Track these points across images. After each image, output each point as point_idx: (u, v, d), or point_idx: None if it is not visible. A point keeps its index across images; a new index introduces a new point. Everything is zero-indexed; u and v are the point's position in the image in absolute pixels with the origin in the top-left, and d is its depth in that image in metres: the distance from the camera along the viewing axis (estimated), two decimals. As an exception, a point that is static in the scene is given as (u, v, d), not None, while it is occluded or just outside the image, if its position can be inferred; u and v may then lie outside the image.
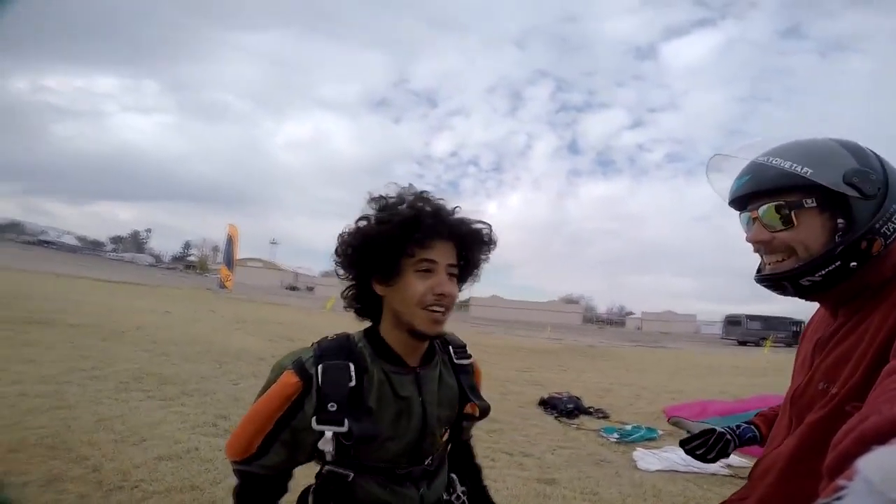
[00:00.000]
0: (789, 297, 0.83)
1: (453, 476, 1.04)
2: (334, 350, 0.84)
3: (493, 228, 0.94)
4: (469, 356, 1.01)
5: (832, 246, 0.74)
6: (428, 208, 0.85)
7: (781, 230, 0.78)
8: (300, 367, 0.81)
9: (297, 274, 75.88)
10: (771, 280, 0.82)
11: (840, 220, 0.74)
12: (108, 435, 2.92)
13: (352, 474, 0.83)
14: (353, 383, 0.81)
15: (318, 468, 0.87)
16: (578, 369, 9.98)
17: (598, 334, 32.72)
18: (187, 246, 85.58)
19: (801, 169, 0.73)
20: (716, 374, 11.20)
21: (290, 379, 0.81)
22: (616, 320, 74.20)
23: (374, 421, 0.82)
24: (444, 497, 0.98)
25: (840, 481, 0.25)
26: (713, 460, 1.06)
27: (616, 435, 4.46)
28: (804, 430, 0.77)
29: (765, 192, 0.79)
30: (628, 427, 4.72)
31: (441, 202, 0.89)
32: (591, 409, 5.53)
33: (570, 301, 76.29)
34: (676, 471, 3.37)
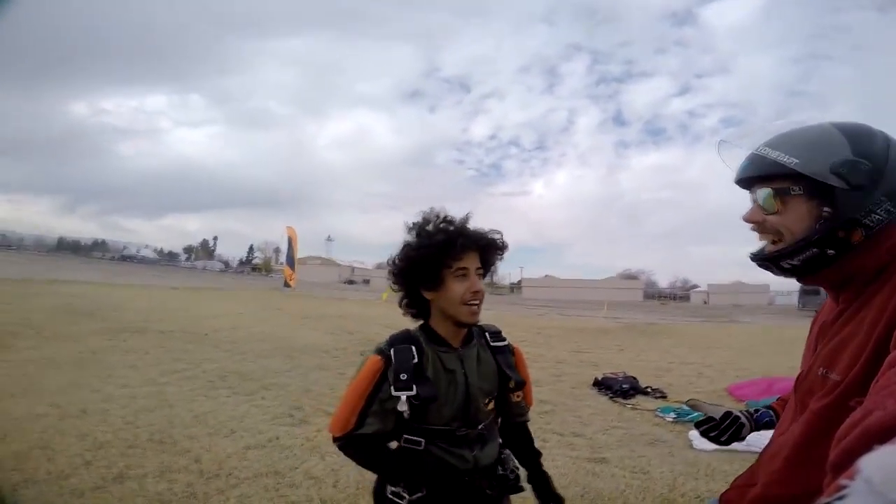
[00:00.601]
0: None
1: (508, 452, 1.26)
2: (400, 338, 1.13)
3: (503, 235, 1.23)
4: (504, 339, 1.27)
5: (811, 232, 0.78)
6: (455, 229, 1.14)
7: (772, 214, 0.83)
8: (380, 351, 1.11)
9: (353, 268, 78.67)
10: (757, 260, 0.88)
11: (826, 209, 0.77)
12: (204, 429, 3.36)
13: (423, 441, 1.11)
14: (415, 360, 1.09)
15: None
16: (637, 349, 9.77)
17: (660, 311, 31.46)
18: (251, 250, 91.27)
19: (788, 159, 0.77)
20: (789, 349, 10.53)
21: (374, 360, 1.10)
22: (680, 295, 70.54)
23: (432, 386, 1.09)
24: (500, 471, 1.20)
25: (842, 480, 0.25)
26: (726, 443, 1.11)
27: (673, 415, 4.44)
28: (809, 417, 0.79)
29: (760, 178, 0.84)
30: (686, 407, 4.66)
31: (463, 221, 1.17)
32: (649, 389, 5.48)
33: (628, 277, 73.60)
34: (736, 450, 3.34)
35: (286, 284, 23.43)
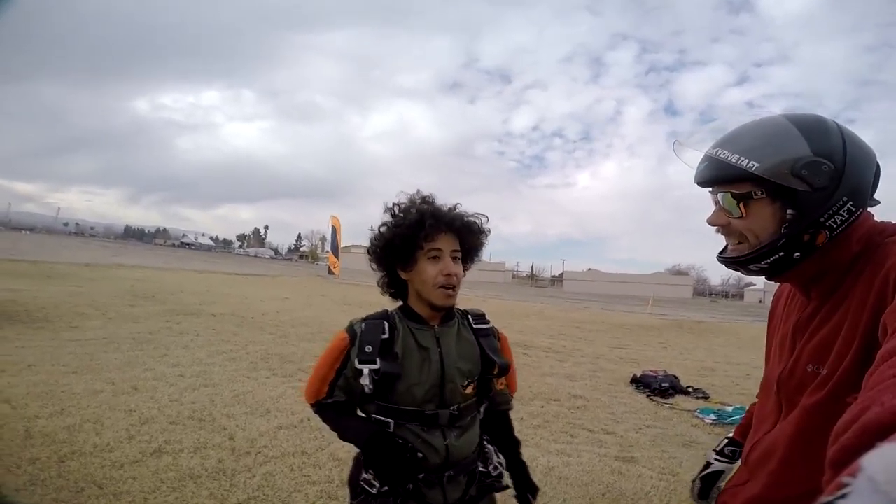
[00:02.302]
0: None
1: (491, 448, 1.19)
2: (375, 316, 1.12)
3: (487, 220, 1.20)
4: (487, 322, 1.22)
5: (776, 237, 0.77)
6: (430, 209, 1.11)
7: (736, 218, 0.81)
8: (349, 328, 1.11)
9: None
10: (726, 262, 0.87)
11: (790, 211, 0.76)
12: (242, 408, 3.54)
13: (392, 422, 1.06)
14: (385, 336, 1.08)
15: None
16: (681, 346, 9.36)
17: (710, 309, 29.92)
18: (299, 238, 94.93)
19: (748, 163, 0.75)
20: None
21: (341, 335, 1.10)
22: (733, 293, 66.69)
23: (398, 363, 1.07)
24: (481, 468, 1.14)
25: (843, 478, 0.25)
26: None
27: (713, 416, 4.22)
28: (801, 414, 0.78)
29: (720, 181, 0.81)
30: (729, 409, 4.42)
31: (441, 204, 1.14)
32: (690, 389, 5.24)
33: (678, 273, 70.42)
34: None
35: (330, 272, 24.21)
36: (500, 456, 1.20)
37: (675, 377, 5.47)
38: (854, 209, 0.74)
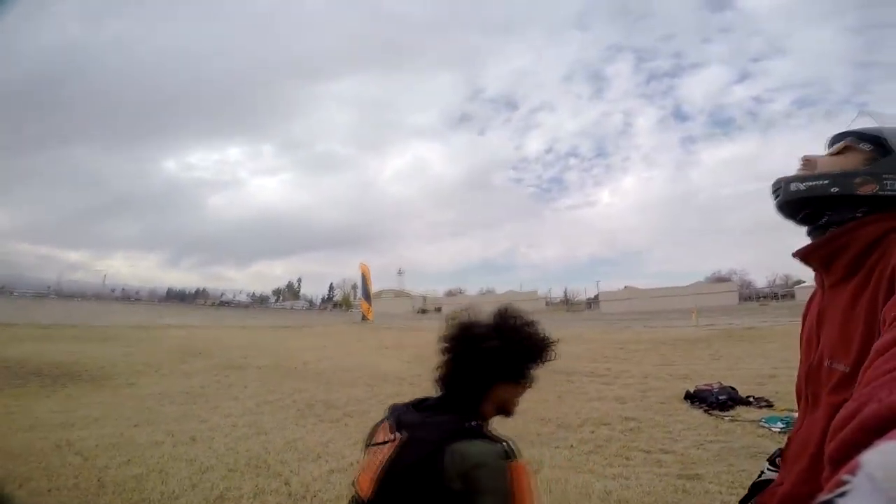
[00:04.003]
0: None
1: None
2: (490, 435, 0.95)
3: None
4: None
5: (836, 170, 0.81)
6: (549, 341, 1.09)
7: (830, 155, 0.86)
8: (516, 453, 0.91)
9: (425, 297, 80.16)
10: (777, 182, 0.89)
11: (867, 167, 0.80)
12: (294, 454, 3.60)
13: None
14: None
15: None
16: (735, 356, 8.89)
17: (760, 313, 28.33)
18: (331, 287, 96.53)
19: (880, 125, 0.82)
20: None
21: (522, 469, 0.89)
22: (782, 293, 63.05)
23: None
24: None
25: (843, 476, 0.25)
26: None
27: (781, 424, 3.97)
28: (829, 412, 0.77)
29: (850, 134, 0.86)
30: (796, 414, 4.14)
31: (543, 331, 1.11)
32: (751, 399, 4.97)
33: (719, 280, 67.40)
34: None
35: (364, 318, 24.56)
36: None
37: (733, 388, 5.21)
38: None
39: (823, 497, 0.25)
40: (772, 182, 0.93)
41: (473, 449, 0.89)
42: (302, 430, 4.34)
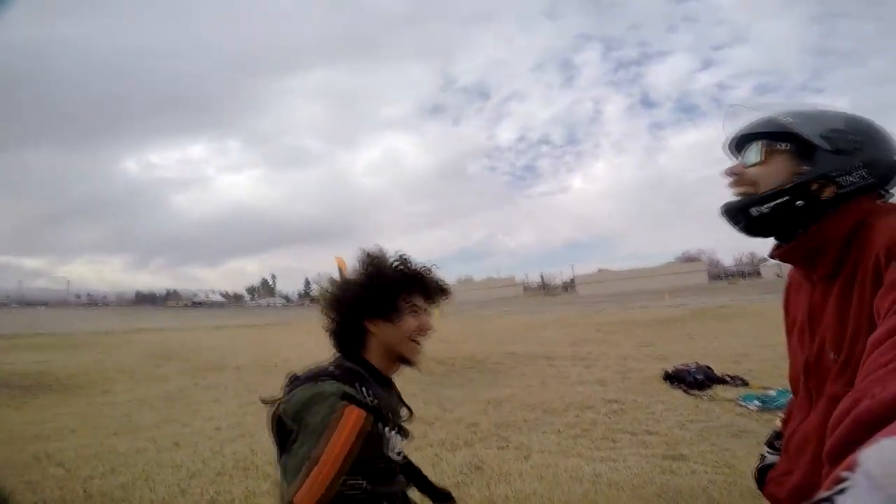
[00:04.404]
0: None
1: None
2: (352, 373, 0.99)
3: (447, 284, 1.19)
4: None
5: (785, 182, 0.82)
6: (423, 268, 1.12)
7: (753, 165, 0.86)
8: (353, 399, 0.91)
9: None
10: (728, 209, 0.89)
11: (806, 167, 0.81)
12: (282, 454, 3.55)
13: (365, 482, 0.92)
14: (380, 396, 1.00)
15: None
16: (709, 336, 9.21)
17: (730, 291, 29.48)
18: (307, 283, 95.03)
19: (788, 120, 0.83)
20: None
21: (355, 413, 0.88)
22: (749, 271, 65.66)
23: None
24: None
25: (841, 472, 0.25)
26: None
27: (757, 402, 4.14)
28: (827, 403, 0.80)
29: (754, 135, 0.88)
30: (772, 392, 4.31)
31: (424, 266, 1.14)
32: (727, 378, 5.14)
33: (689, 259, 69.64)
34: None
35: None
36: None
37: (709, 367, 5.39)
38: (867, 177, 0.78)
39: (822, 494, 0.25)
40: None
41: (310, 391, 0.91)
42: (289, 429, 4.28)
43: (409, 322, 1.06)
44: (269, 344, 12.22)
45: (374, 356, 1.06)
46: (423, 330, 1.08)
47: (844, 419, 0.36)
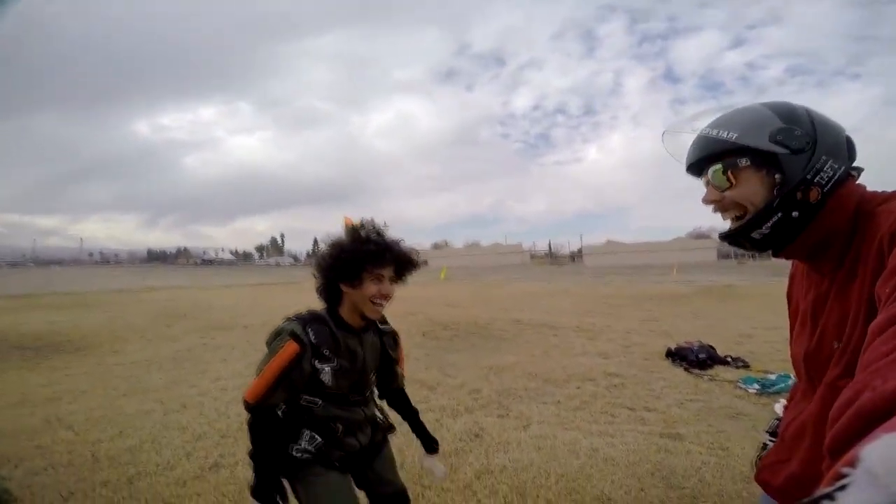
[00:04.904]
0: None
1: (381, 405, 1.60)
2: (312, 318, 1.34)
3: (419, 254, 1.48)
4: (388, 325, 1.55)
5: (771, 199, 0.82)
6: (384, 243, 1.36)
7: (727, 189, 0.86)
8: (297, 336, 1.28)
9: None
10: (729, 238, 0.90)
11: (777, 175, 0.81)
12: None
13: (320, 401, 1.35)
14: (332, 338, 1.33)
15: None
16: (714, 315, 9.18)
17: (739, 271, 29.23)
18: (316, 243, 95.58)
19: (728, 134, 0.83)
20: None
21: (292, 346, 1.27)
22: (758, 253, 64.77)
23: (346, 360, 1.35)
24: (379, 419, 1.56)
25: (841, 468, 0.25)
26: None
27: (756, 386, 4.14)
28: (824, 390, 0.81)
29: (708, 158, 0.87)
30: (772, 377, 4.31)
31: (392, 240, 1.39)
32: (728, 359, 5.15)
33: (699, 236, 68.79)
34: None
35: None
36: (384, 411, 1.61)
37: (712, 347, 5.38)
38: (836, 167, 0.79)
39: (823, 490, 0.24)
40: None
41: (278, 326, 1.33)
42: (293, 392, 4.37)
43: (370, 288, 1.33)
44: (277, 303, 12.39)
45: (345, 311, 1.38)
46: (382, 296, 1.35)
47: (845, 411, 0.36)
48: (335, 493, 1.37)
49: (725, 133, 0.83)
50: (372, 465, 1.50)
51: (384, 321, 1.53)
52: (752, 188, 0.83)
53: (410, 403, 1.64)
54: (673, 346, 5.56)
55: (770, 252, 0.91)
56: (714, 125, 0.86)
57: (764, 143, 0.80)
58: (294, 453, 1.33)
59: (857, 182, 0.82)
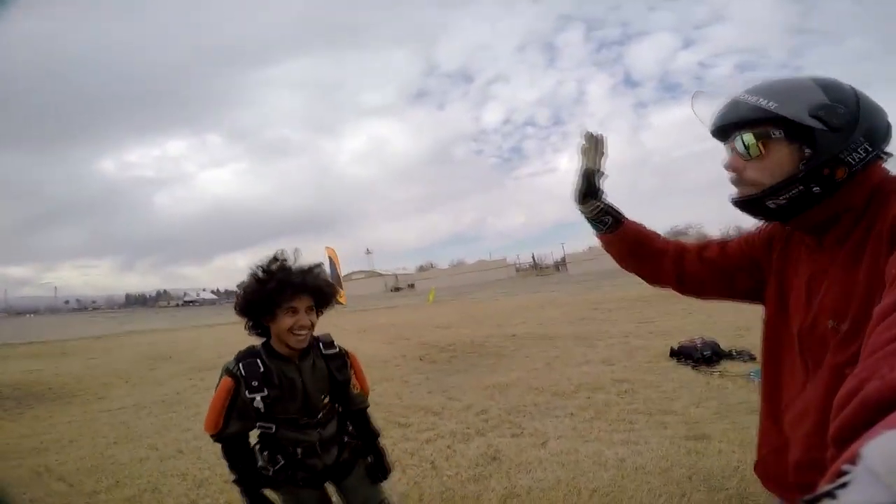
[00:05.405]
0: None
1: (344, 425, 1.65)
2: (246, 354, 1.45)
3: (329, 282, 1.58)
4: (335, 348, 1.61)
5: (795, 172, 0.80)
6: (286, 278, 1.42)
7: (752, 159, 0.84)
8: (229, 372, 1.42)
9: (397, 275, 79.81)
10: (741, 203, 0.88)
11: (807, 150, 0.79)
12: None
13: (273, 426, 1.46)
14: (262, 370, 1.42)
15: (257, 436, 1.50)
16: (707, 310, 9.17)
17: (720, 265, 29.73)
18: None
19: (768, 103, 0.80)
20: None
21: (227, 381, 1.41)
22: (737, 245, 66.48)
23: (278, 389, 1.43)
24: (346, 439, 1.61)
25: (843, 466, 0.24)
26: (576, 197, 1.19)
27: (766, 376, 4.11)
28: (830, 374, 0.77)
29: (738, 124, 0.85)
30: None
31: (300, 268, 1.47)
32: (734, 352, 5.13)
33: (678, 234, 70.26)
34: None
35: (337, 302, 24.11)
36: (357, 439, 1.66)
37: (715, 342, 5.37)
38: (870, 149, 0.77)
39: (824, 488, 0.24)
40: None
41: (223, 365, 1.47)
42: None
43: (286, 321, 1.42)
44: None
45: (275, 343, 1.48)
46: (298, 326, 1.43)
47: (850, 400, 0.35)
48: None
49: (765, 101, 0.80)
50: (344, 482, 1.59)
51: (330, 345, 1.60)
52: (780, 161, 0.81)
53: (370, 426, 1.69)
54: (676, 346, 5.52)
55: (774, 222, 0.90)
56: (754, 91, 0.83)
57: (802, 117, 0.77)
58: (262, 472, 1.49)
59: (883, 166, 0.80)
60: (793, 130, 0.79)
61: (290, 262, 1.47)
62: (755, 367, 4.48)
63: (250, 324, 1.49)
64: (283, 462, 1.47)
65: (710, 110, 0.90)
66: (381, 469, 1.64)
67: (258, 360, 1.43)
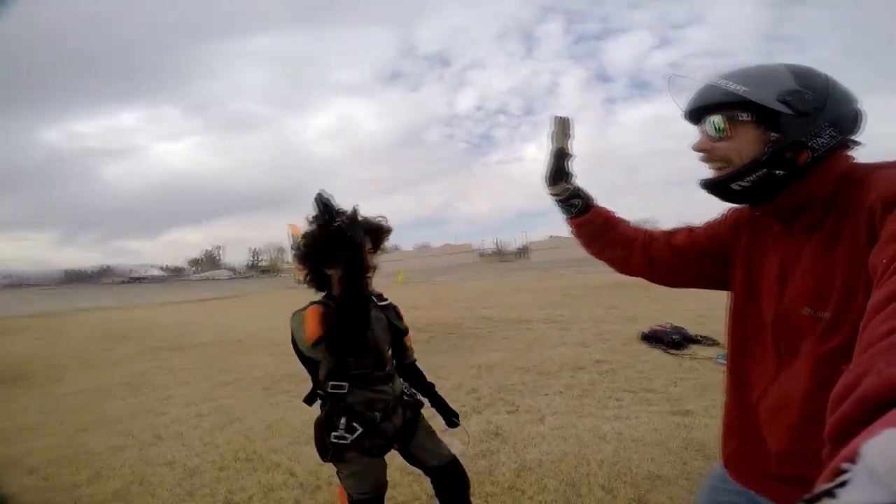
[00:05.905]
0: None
1: (406, 383, 1.68)
2: (321, 304, 1.44)
3: (386, 219, 1.57)
4: (387, 300, 1.63)
5: (760, 154, 0.82)
6: (349, 220, 1.43)
7: (720, 140, 0.86)
8: (313, 304, 1.45)
9: (360, 256, 78.68)
10: (708, 185, 0.90)
11: (773, 134, 0.81)
12: (282, 439, 3.30)
13: (346, 385, 1.45)
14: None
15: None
16: (667, 298, 9.64)
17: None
18: (255, 253, 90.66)
19: (739, 87, 0.82)
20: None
21: (315, 308, 1.43)
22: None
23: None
24: (406, 396, 1.62)
25: (842, 464, 0.24)
26: (548, 179, 1.19)
27: (733, 358, 4.40)
28: (815, 364, 0.77)
29: (710, 108, 0.86)
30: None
31: (355, 211, 1.48)
32: (699, 338, 5.45)
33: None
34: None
35: (299, 281, 23.55)
36: (415, 389, 1.70)
37: (682, 327, 5.67)
38: (836, 135, 0.79)
39: (823, 487, 0.23)
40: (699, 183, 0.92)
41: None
42: (277, 409, 4.04)
43: None
44: (225, 318, 11.62)
45: (336, 290, 1.46)
46: (369, 268, 1.45)
47: (847, 397, 0.35)
48: (368, 475, 1.49)
49: (735, 85, 0.82)
50: (413, 441, 1.58)
51: (381, 297, 1.61)
52: (746, 142, 0.83)
53: (425, 378, 1.72)
54: (647, 330, 5.80)
55: (746, 206, 0.92)
56: (727, 76, 0.85)
57: (770, 101, 0.79)
58: (332, 440, 1.45)
59: (850, 154, 0.82)
60: (761, 114, 0.81)
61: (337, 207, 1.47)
62: (721, 352, 4.78)
63: (310, 275, 1.47)
64: (360, 430, 1.45)
65: (685, 95, 0.92)
66: (453, 413, 1.71)
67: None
